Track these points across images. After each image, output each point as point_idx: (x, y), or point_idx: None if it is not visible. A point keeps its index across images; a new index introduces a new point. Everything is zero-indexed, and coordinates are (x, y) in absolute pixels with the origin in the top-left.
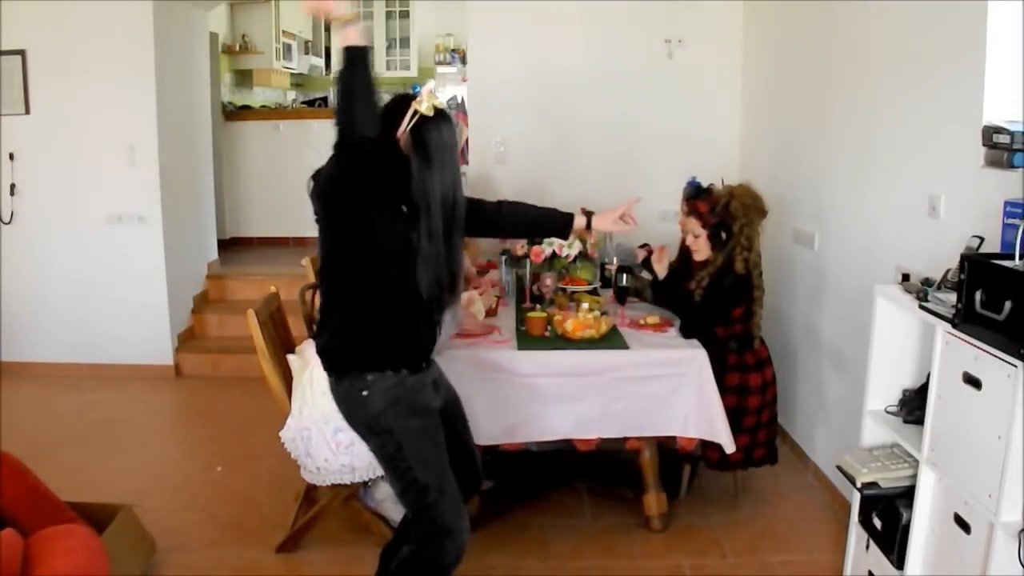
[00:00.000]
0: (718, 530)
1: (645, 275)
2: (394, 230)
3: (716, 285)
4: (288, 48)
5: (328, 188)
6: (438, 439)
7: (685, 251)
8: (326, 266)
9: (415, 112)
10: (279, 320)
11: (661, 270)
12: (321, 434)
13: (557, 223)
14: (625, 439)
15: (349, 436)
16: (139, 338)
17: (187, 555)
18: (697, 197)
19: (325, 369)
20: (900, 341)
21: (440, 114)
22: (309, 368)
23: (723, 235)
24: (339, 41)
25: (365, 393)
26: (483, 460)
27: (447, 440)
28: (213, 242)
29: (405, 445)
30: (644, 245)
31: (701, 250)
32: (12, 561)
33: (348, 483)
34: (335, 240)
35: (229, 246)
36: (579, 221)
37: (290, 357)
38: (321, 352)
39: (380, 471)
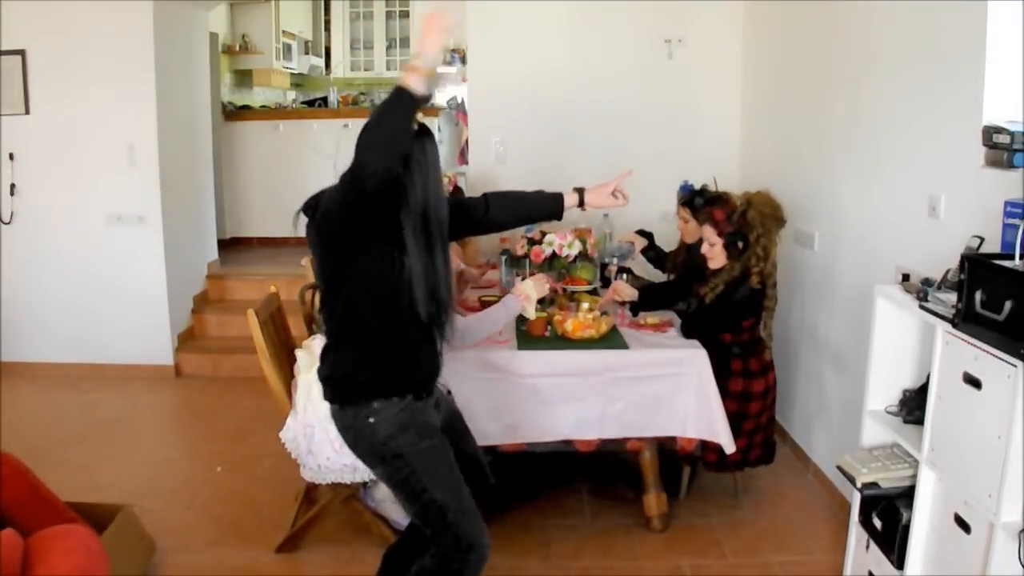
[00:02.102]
0: (718, 530)
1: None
2: (388, 257)
3: (728, 295)
4: (288, 48)
5: (331, 217)
6: (449, 457)
7: (688, 253)
8: (329, 296)
9: None
10: (279, 320)
11: (630, 296)
12: (324, 432)
13: (548, 206)
14: (625, 439)
15: None
16: (139, 338)
17: (187, 555)
18: (698, 207)
19: (327, 398)
20: (900, 341)
21: (424, 131)
22: (317, 364)
23: (739, 244)
24: (403, 78)
25: (372, 420)
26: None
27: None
28: (213, 242)
29: (418, 468)
30: (640, 231)
31: (716, 258)
32: (12, 561)
33: (348, 483)
34: (336, 269)
35: (229, 246)
36: (571, 199)
37: (298, 352)
38: (325, 380)
39: None
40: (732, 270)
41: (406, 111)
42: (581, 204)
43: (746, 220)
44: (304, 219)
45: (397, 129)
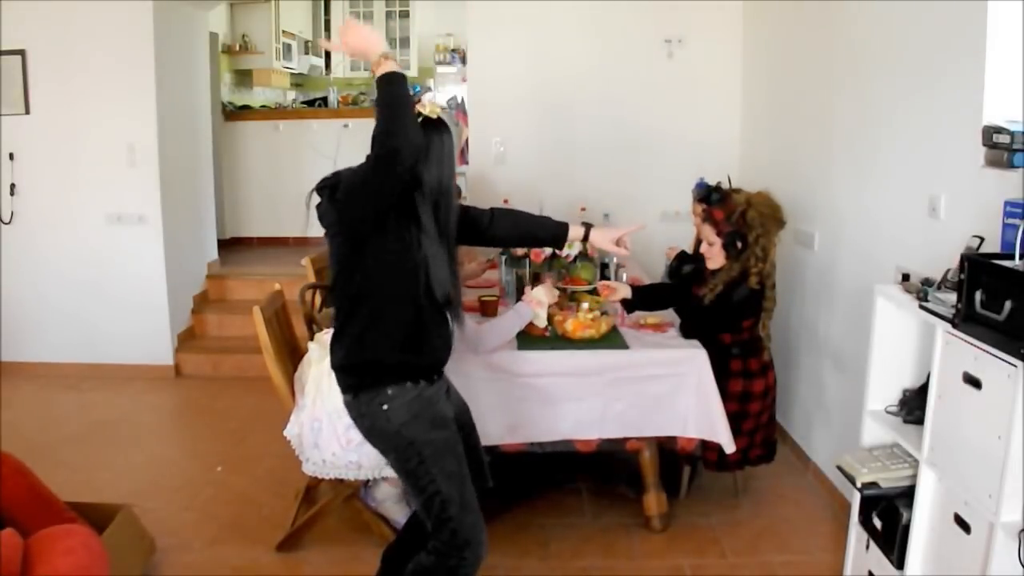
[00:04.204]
0: (718, 530)
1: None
2: (406, 237)
3: (728, 296)
4: (288, 48)
5: (358, 198)
6: (458, 451)
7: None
8: (340, 281)
9: (418, 114)
10: (283, 318)
11: (625, 293)
12: (332, 427)
13: (549, 234)
14: (625, 439)
15: (360, 434)
16: (139, 338)
17: (187, 555)
18: (714, 203)
19: (341, 386)
20: (900, 341)
21: (440, 120)
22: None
23: (738, 244)
24: (378, 70)
25: (386, 407)
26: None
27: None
28: (213, 242)
29: (428, 458)
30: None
31: (715, 258)
32: (12, 561)
33: (352, 479)
34: (354, 249)
35: (229, 246)
36: (576, 232)
37: (311, 344)
38: (338, 369)
39: (386, 472)
40: (731, 270)
41: (403, 89)
42: (585, 238)
43: (745, 221)
44: (317, 198)
45: (407, 106)
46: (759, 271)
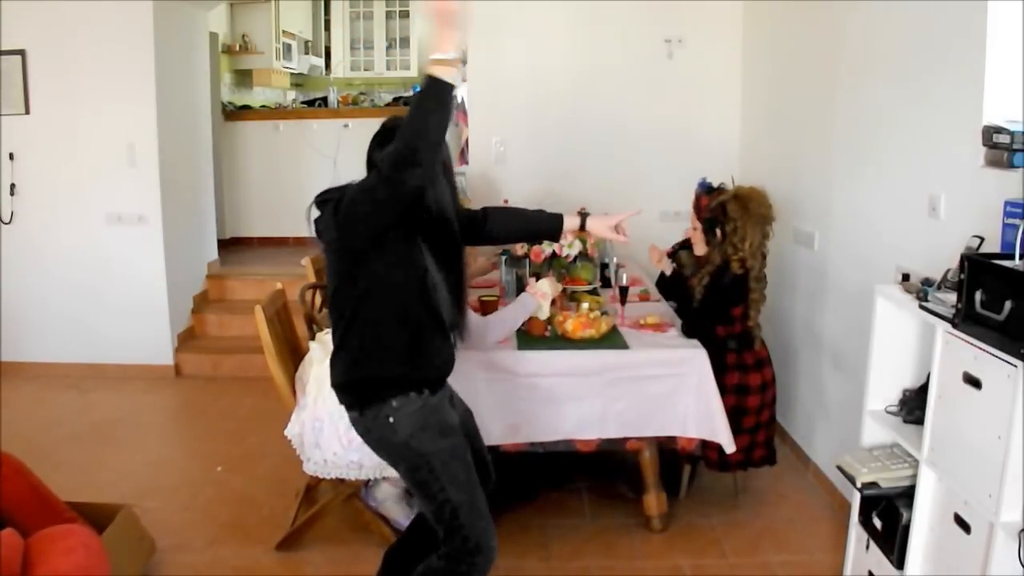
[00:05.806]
0: (718, 530)
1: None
2: (407, 251)
3: (716, 283)
4: (288, 48)
5: (360, 212)
6: (467, 458)
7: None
8: (339, 296)
9: None
10: (284, 317)
11: (666, 267)
12: (334, 427)
13: (545, 226)
14: (625, 439)
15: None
16: (139, 338)
17: (187, 555)
18: (707, 193)
19: (345, 404)
20: (900, 341)
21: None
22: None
23: (716, 232)
24: (431, 68)
25: (392, 419)
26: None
27: None
28: (213, 242)
29: (437, 467)
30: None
31: (698, 244)
32: (12, 561)
33: (353, 479)
34: (353, 265)
35: (229, 246)
36: (572, 222)
37: (312, 344)
38: (339, 388)
39: (387, 471)
40: (713, 258)
41: (448, 103)
42: (582, 228)
43: (724, 211)
44: (315, 212)
45: (444, 121)
46: (740, 258)
